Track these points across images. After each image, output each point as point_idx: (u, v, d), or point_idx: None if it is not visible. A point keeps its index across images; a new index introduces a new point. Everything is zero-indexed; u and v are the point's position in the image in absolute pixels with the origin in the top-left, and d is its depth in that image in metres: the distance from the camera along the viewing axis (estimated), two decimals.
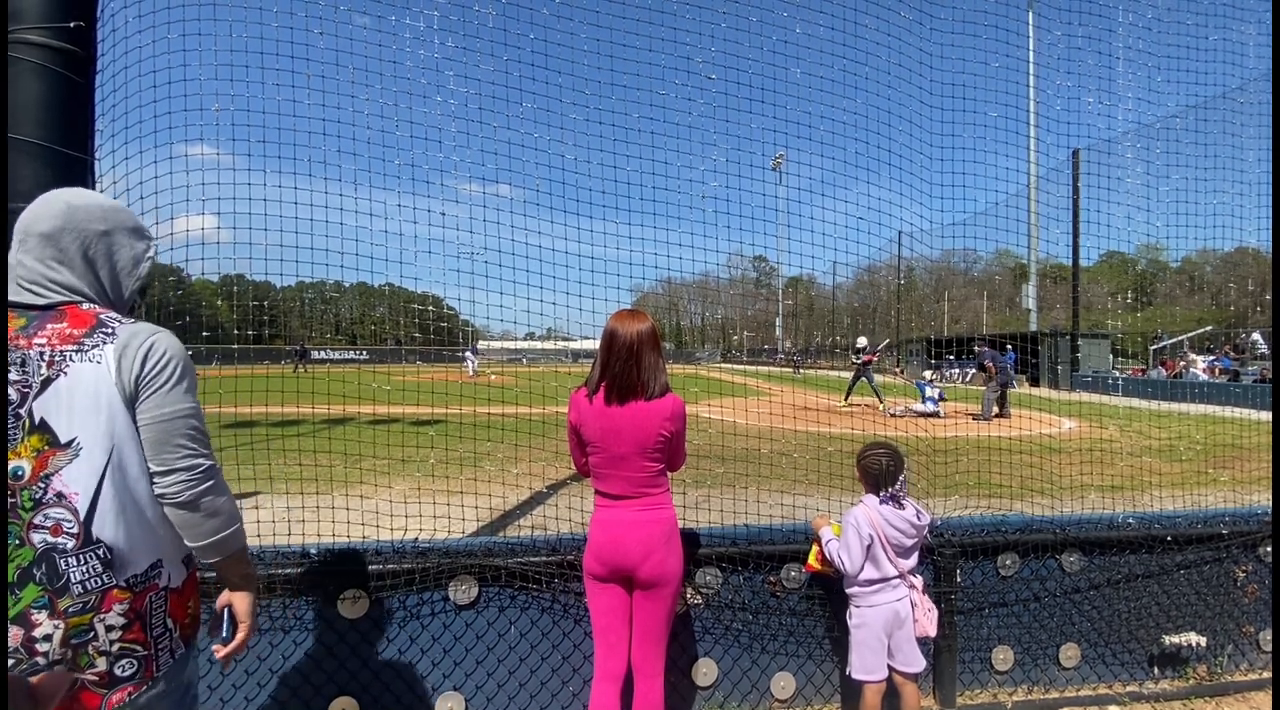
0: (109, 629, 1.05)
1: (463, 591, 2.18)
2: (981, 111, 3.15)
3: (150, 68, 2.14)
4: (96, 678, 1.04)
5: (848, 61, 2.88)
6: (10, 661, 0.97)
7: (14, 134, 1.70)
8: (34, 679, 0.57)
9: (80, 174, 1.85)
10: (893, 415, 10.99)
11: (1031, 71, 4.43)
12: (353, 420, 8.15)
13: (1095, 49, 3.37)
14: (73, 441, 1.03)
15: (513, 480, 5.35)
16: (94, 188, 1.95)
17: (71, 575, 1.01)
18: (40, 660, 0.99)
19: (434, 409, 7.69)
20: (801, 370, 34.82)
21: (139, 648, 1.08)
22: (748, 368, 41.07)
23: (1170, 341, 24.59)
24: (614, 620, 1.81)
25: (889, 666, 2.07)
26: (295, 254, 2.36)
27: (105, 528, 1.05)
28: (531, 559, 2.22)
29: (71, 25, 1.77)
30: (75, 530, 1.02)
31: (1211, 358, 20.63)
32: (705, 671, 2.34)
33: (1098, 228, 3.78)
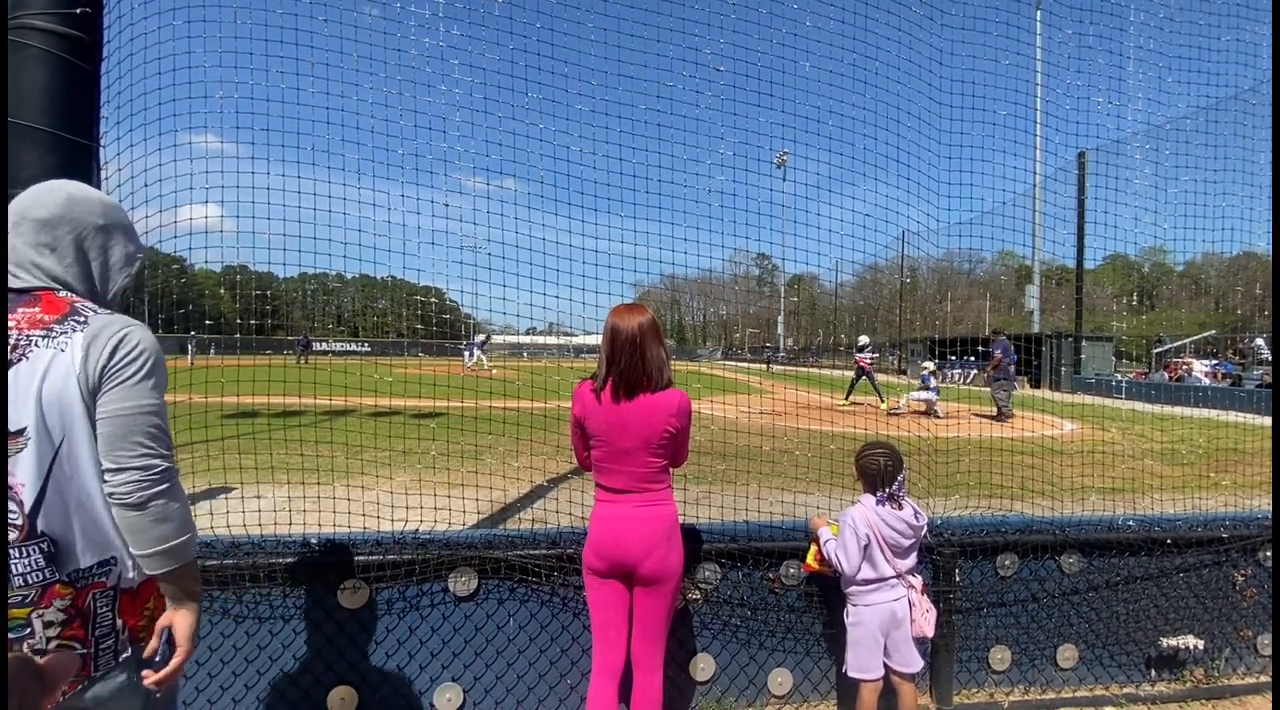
0: (47, 625, 1.01)
1: (462, 583, 2.19)
2: (991, 109, 3.12)
3: (155, 54, 2.13)
4: None
5: (857, 56, 2.86)
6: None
7: (19, 120, 1.69)
8: (42, 660, 0.56)
9: (85, 161, 1.84)
10: (894, 414, 10.96)
11: (1039, 69, 4.38)
12: (354, 412, 8.17)
13: (1106, 48, 3.34)
14: (21, 431, 0.98)
15: (513, 473, 5.36)
16: (99, 175, 1.94)
17: (13, 567, 0.98)
18: None
19: (435, 402, 7.70)
20: (771, 366, 36.53)
21: (78, 645, 1.04)
22: (739, 365, 41.69)
23: (1173, 345, 24.51)
24: (613, 615, 1.81)
25: (886, 666, 2.07)
26: (298, 244, 2.35)
27: (52, 521, 1.01)
28: (531, 552, 2.22)
29: (78, 11, 1.76)
30: (19, 522, 0.98)
31: (1214, 362, 20.55)
32: (703, 667, 2.35)
33: (1104, 229, 3.75)
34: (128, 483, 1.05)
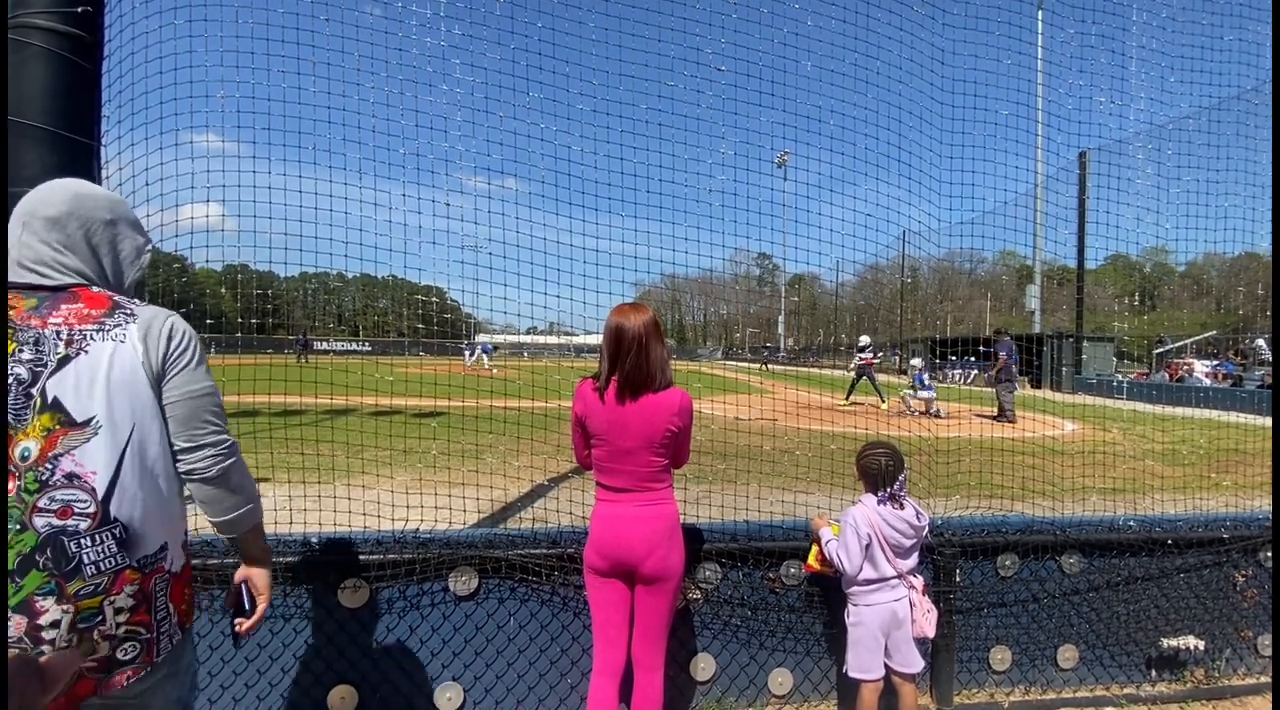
0: (117, 611, 1.03)
1: (463, 583, 2.19)
2: (992, 109, 3.11)
3: (157, 53, 2.13)
4: (94, 664, 1.02)
5: (859, 56, 2.85)
6: (13, 652, 0.95)
7: (21, 119, 1.69)
8: (43, 659, 0.56)
9: (86, 160, 1.84)
10: (913, 414, 10.91)
11: (1041, 69, 4.37)
12: (355, 411, 8.18)
13: (1108, 48, 3.33)
14: (90, 420, 1.02)
15: (514, 473, 5.36)
16: (100, 174, 1.94)
17: (84, 556, 0.99)
18: (46, 648, 0.97)
19: (436, 401, 7.70)
20: (768, 365, 37.59)
21: (143, 630, 1.07)
22: (738, 365, 42.32)
23: (1174, 345, 24.47)
24: (614, 614, 1.81)
25: (886, 666, 2.07)
26: (300, 243, 2.35)
27: (123, 506, 1.04)
28: (532, 551, 2.22)
29: (79, 10, 1.76)
30: (91, 510, 1.00)
31: (1215, 363, 20.51)
32: (704, 666, 2.35)
33: (1105, 230, 3.74)
34: (205, 458, 1.13)
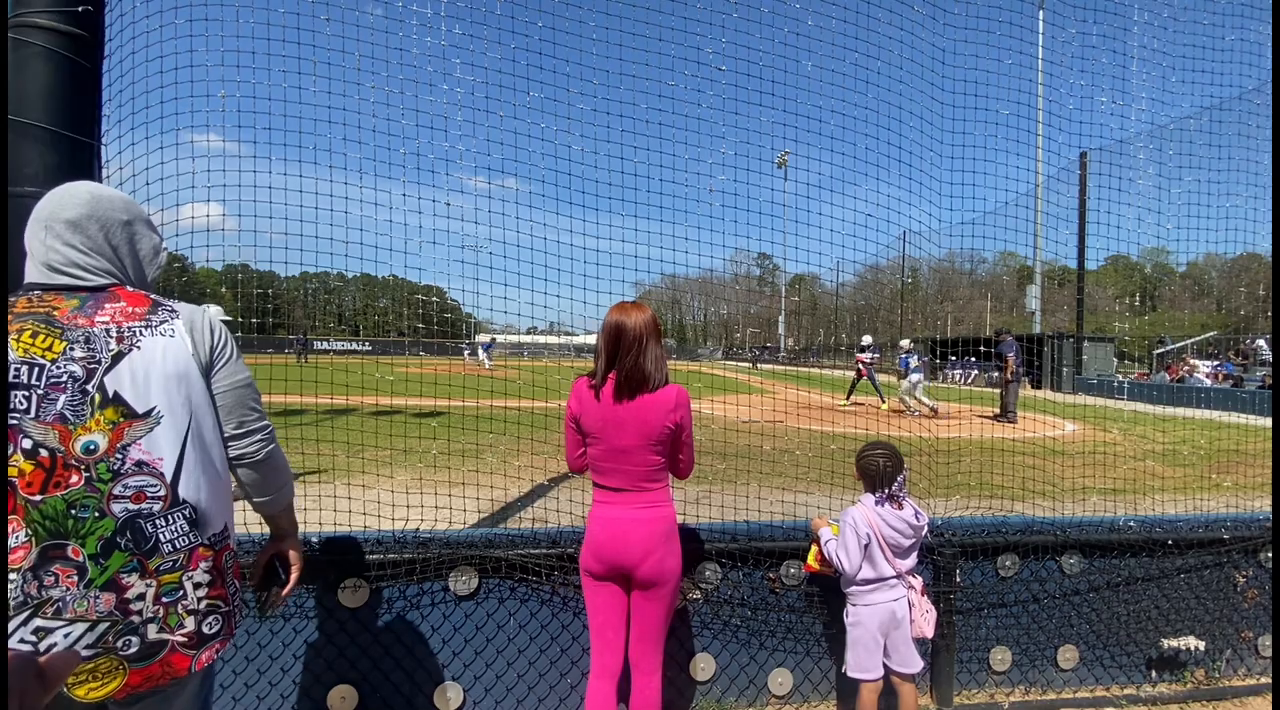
0: (196, 586, 1.10)
1: (463, 582, 2.19)
2: (993, 109, 3.11)
3: (158, 53, 2.13)
4: (185, 639, 1.08)
5: (859, 55, 2.85)
6: (106, 625, 1.01)
7: (21, 118, 1.69)
8: (43, 659, 0.56)
9: (86, 160, 1.84)
10: (914, 415, 10.82)
11: (1042, 69, 4.37)
12: (355, 410, 8.18)
13: (1109, 48, 3.33)
14: (151, 410, 1.07)
15: (514, 473, 5.36)
16: (100, 173, 1.95)
17: (161, 536, 1.06)
18: (135, 619, 1.03)
19: (436, 401, 7.71)
20: (759, 365, 38.97)
21: (222, 604, 1.15)
22: (733, 365, 43.16)
23: (1174, 346, 24.47)
24: (611, 617, 1.80)
25: (886, 666, 2.07)
26: (300, 243, 2.36)
27: (190, 488, 1.10)
28: (532, 551, 2.22)
29: (80, 9, 1.76)
30: (162, 493, 1.07)
31: (1215, 363, 20.49)
32: (703, 667, 2.35)
33: (1106, 230, 3.74)
34: (254, 443, 1.22)
